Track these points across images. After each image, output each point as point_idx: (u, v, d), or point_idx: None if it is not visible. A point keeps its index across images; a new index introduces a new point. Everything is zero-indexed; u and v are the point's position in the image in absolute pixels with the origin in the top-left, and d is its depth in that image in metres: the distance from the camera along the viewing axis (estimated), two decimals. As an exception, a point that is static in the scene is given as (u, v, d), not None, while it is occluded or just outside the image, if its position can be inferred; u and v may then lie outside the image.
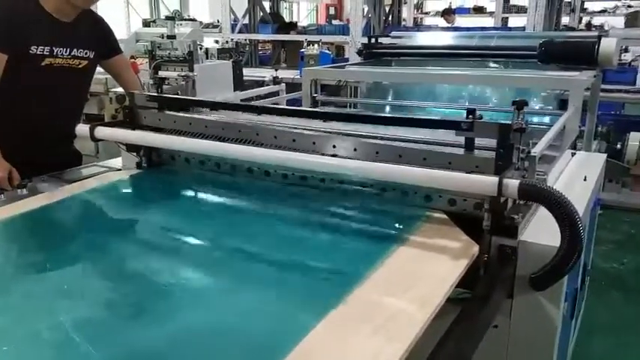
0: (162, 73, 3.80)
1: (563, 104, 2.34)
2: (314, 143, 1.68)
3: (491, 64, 2.96)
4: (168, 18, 5.82)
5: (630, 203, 4.67)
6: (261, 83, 5.48)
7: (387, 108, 2.98)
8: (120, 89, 3.72)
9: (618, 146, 3.46)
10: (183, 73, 3.77)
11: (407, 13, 11.34)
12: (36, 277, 1.31)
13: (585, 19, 12.32)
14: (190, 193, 1.95)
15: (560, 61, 2.66)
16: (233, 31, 8.00)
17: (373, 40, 3.54)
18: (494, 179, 1.32)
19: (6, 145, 2.16)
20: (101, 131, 1.90)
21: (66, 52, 2.32)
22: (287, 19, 10.66)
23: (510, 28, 8.57)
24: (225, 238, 1.53)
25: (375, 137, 1.69)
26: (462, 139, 1.51)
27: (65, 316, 1.10)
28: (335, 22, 13.22)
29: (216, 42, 7.15)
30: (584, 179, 1.91)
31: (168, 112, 1.97)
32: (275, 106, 2.59)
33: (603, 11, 13.65)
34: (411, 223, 1.50)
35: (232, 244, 1.50)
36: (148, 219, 1.73)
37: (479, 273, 1.40)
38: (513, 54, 2.92)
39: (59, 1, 2.25)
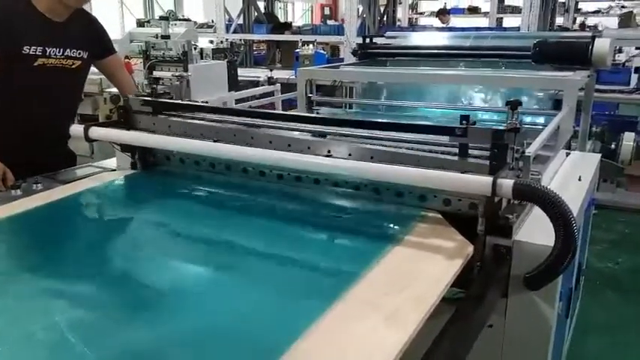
0: (156, 73, 3.80)
1: (557, 104, 2.34)
2: (309, 148, 1.69)
3: (486, 64, 2.96)
4: (162, 18, 5.82)
5: (625, 203, 4.69)
6: (255, 83, 5.48)
7: (382, 108, 2.98)
8: (114, 89, 3.71)
9: (612, 146, 3.46)
10: (177, 73, 3.77)
11: (402, 14, 11.33)
12: (30, 278, 1.31)
13: (579, 20, 12.38)
14: (185, 193, 1.94)
15: (554, 62, 2.66)
16: (228, 31, 8.00)
17: (368, 41, 3.53)
18: (489, 179, 1.32)
19: (0, 145, 2.15)
20: (95, 131, 1.90)
21: (59, 52, 2.30)
22: (282, 19, 10.65)
23: (505, 29, 8.58)
24: (220, 239, 1.53)
25: (370, 138, 1.69)
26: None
27: (60, 316, 1.10)
28: (330, 22, 13.22)
29: (211, 42, 7.13)
30: (579, 179, 1.92)
31: (162, 117, 1.97)
32: (272, 111, 2.59)
33: (597, 12, 13.74)
34: (406, 223, 1.50)
35: (227, 245, 1.50)
36: (143, 219, 1.73)
37: (473, 272, 1.40)
38: (507, 54, 2.93)
39: (51, 0, 2.23)
